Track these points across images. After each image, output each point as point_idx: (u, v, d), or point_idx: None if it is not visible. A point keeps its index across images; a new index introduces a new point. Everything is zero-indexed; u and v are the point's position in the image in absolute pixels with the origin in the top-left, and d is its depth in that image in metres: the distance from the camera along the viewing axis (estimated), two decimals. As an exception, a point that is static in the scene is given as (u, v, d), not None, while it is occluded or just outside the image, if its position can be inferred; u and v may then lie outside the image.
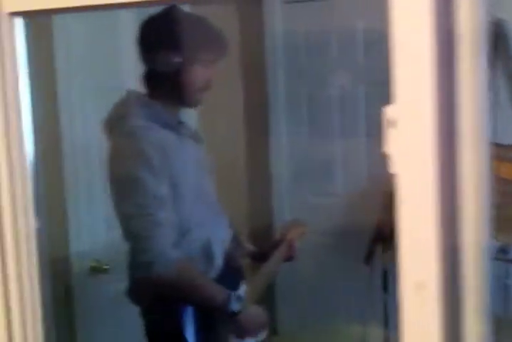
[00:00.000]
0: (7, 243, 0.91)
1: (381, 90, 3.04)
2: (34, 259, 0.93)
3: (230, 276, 1.82)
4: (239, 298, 1.70)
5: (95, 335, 2.20)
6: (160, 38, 1.73)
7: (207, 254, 1.75)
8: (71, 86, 2.12)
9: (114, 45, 2.24)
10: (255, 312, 1.79)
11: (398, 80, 0.69)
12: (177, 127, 1.77)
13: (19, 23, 0.92)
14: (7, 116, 0.89)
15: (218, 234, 1.81)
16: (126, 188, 1.65)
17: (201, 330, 1.73)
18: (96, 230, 2.22)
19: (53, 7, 0.94)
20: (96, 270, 2.17)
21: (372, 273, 2.41)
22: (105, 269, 2.16)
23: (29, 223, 0.94)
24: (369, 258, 2.36)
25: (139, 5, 0.96)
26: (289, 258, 2.00)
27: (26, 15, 0.91)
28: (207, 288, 1.71)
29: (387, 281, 2.36)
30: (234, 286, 1.78)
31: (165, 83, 1.75)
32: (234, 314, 1.70)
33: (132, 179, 1.62)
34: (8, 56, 0.90)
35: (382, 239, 2.37)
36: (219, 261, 1.78)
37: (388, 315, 2.41)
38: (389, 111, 0.71)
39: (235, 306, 1.69)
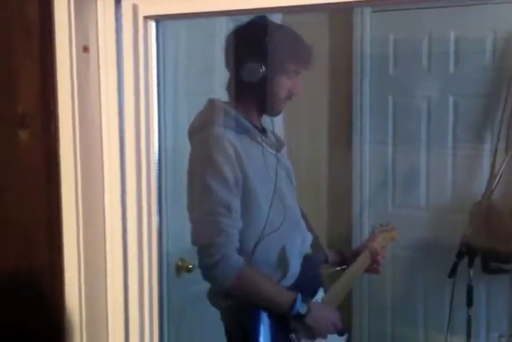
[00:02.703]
0: (131, 240, 0.95)
1: (470, 102, 2.98)
2: (155, 254, 0.97)
3: (308, 282, 1.82)
4: (305, 300, 1.71)
5: (180, 334, 2.23)
6: (246, 47, 1.74)
7: (282, 260, 1.76)
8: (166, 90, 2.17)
9: (209, 54, 2.28)
10: (323, 313, 1.79)
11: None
12: (256, 135, 1.79)
13: (152, 25, 0.97)
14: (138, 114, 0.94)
15: (295, 241, 1.82)
16: (197, 194, 1.70)
17: (274, 332, 1.74)
18: (183, 229, 2.26)
19: (182, 12, 0.99)
20: (182, 269, 2.21)
21: (456, 287, 2.37)
22: (190, 268, 2.21)
23: (152, 220, 0.98)
24: (453, 272, 2.32)
25: (253, 11, 1.00)
26: (373, 269, 1.98)
27: (159, 18, 0.96)
28: (271, 291, 1.72)
29: (471, 295, 2.32)
30: (311, 293, 1.79)
31: (249, 92, 1.77)
32: (301, 316, 1.71)
33: (203, 186, 1.67)
34: (142, 54, 0.95)
35: (468, 253, 2.33)
36: (295, 267, 1.78)
37: (470, 330, 2.36)
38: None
39: (302, 308, 1.70)
